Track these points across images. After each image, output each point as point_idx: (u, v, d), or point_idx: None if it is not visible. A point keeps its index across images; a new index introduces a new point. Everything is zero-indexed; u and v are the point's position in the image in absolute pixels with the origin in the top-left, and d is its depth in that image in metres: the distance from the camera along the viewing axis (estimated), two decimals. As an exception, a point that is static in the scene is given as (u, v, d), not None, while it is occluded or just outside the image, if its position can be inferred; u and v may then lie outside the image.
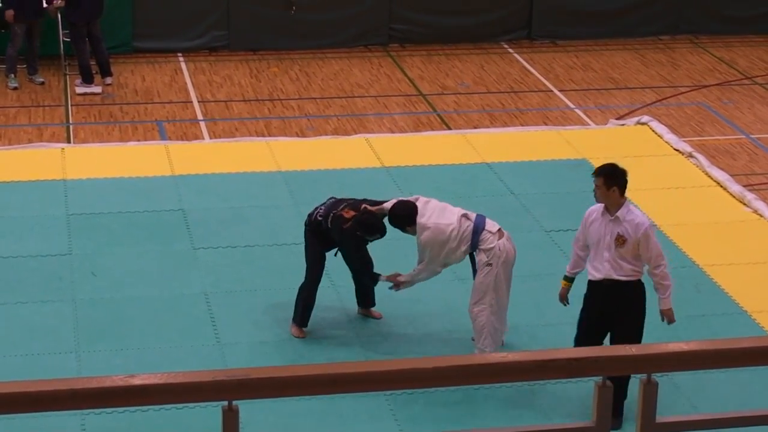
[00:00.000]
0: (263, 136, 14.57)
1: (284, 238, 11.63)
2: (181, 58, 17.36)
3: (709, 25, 18.82)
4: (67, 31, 16.06)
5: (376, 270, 10.01)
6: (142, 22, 17.40)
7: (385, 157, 13.62)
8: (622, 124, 15.03)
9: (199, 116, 15.31)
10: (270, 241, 11.65)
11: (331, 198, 10.13)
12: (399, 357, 9.60)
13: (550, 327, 10.07)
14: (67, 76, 16.39)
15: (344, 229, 9.71)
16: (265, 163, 13.44)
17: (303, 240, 10.14)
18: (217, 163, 13.40)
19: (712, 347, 4.68)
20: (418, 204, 9.70)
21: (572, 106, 15.98)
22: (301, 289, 10.08)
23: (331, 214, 9.82)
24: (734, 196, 12.86)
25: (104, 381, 4.21)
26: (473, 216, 9.62)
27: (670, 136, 14.38)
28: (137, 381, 4.20)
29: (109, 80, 16.12)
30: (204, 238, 11.70)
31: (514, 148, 14.02)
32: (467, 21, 18.22)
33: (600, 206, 8.77)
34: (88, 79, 15.92)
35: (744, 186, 13.11)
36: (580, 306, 8.98)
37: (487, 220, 9.61)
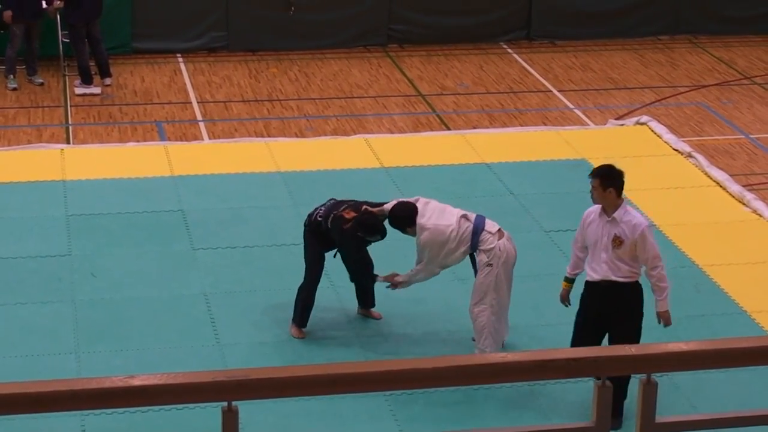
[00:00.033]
0: (262, 136, 14.58)
1: (283, 238, 11.63)
2: (180, 59, 17.36)
3: (708, 26, 18.82)
4: (67, 32, 16.06)
5: (375, 271, 10.01)
6: (141, 22, 17.40)
7: (384, 158, 13.62)
8: (622, 125, 15.04)
9: (199, 117, 15.31)
10: (269, 242, 11.65)
11: (331, 199, 10.13)
12: (399, 357, 9.60)
13: (550, 327, 10.07)
14: (67, 77, 16.39)
15: (344, 230, 9.71)
16: (265, 163, 13.44)
17: (302, 240, 10.14)
18: (217, 164, 13.40)
19: (712, 347, 4.68)
20: (418, 205, 9.70)
21: (571, 106, 15.99)
22: (301, 289, 10.08)
23: (332, 215, 9.82)
24: (733, 196, 12.87)
25: (104, 382, 4.21)
26: (473, 217, 9.62)
27: (669, 136, 14.39)
28: (137, 382, 4.19)
29: (108, 81, 16.12)
30: (203, 238, 11.70)
31: (513, 148, 14.02)
32: (466, 21, 18.22)
33: (598, 207, 8.78)
34: (87, 80, 15.92)
35: (743, 186, 13.11)
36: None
37: (487, 221, 9.60)
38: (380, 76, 16.92)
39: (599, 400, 4.52)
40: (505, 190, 12.89)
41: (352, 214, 9.76)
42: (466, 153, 13.82)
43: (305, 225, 10.09)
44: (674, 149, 14.06)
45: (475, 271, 9.62)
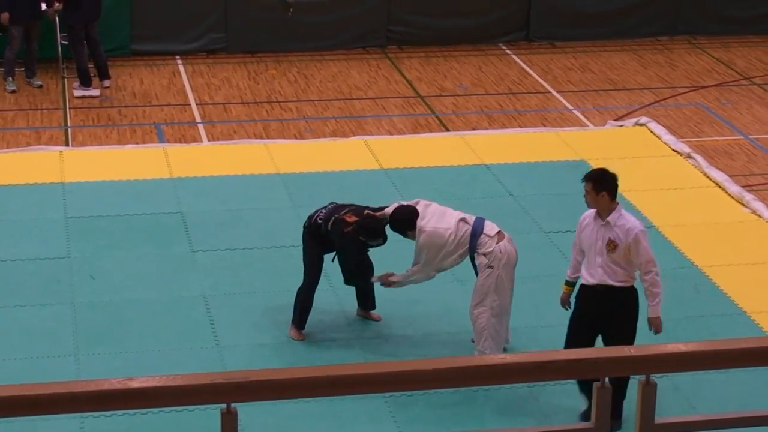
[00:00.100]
0: (261, 138, 14.57)
1: (283, 240, 11.63)
2: (179, 61, 17.36)
3: (707, 26, 18.82)
4: (65, 34, 16.05)
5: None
6: (140, 24, 17.40)
7: (383, 159, 13.62)
8: (621, 125, 15.03)
9: (198, 119, 15.30)
10: (268, 244, 11.65)
11: (332, 203, 10.12)
12: (398, 359, 9.59)
13: (550, 328, 10.07)
14: (65, 79, 16.39)
15: (345, 233, 9.70)
16: (264, 165, 13.44)
17: (301, 242, 10.13)
18: (216, 166, 13.40)
19: (711, 348, 4.68)
20: (418, 208, 9.69)
21: (570, 107, 15.98)
22: (300, 291, 10.08)
23: (333, 218, 9.80)
24: (733, 197, 12.87)
25: (103, 384, 4.21)
26: (471, 219, 9.60)
27: (668, 137, 14.39)
28: (136, 384, 4.19)
29: (107, 83, 16.12)
30: (202, 240, 11.70)
31: (512, 149, 14.02)
32: (465, 23, 18.22)
33: (593, 211, 8.78)
34: (86, 82, 15.92)
35: (742, 186, 13.11)
36: (579, 308, 8.99)
37: (486, 223, 9.59)
38: (379, 78, 16.92)
39: (598, 401, 4.52)
40: (505, 192, 12.89)
41: (354, 218, 9.75)
42: (465, 154, 13.82)
43: (304, 227, 10.08)
44: (673, 150, 14.06)
45: (476, 273, 9.61)
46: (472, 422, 8.97)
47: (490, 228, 9.54)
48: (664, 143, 14.24)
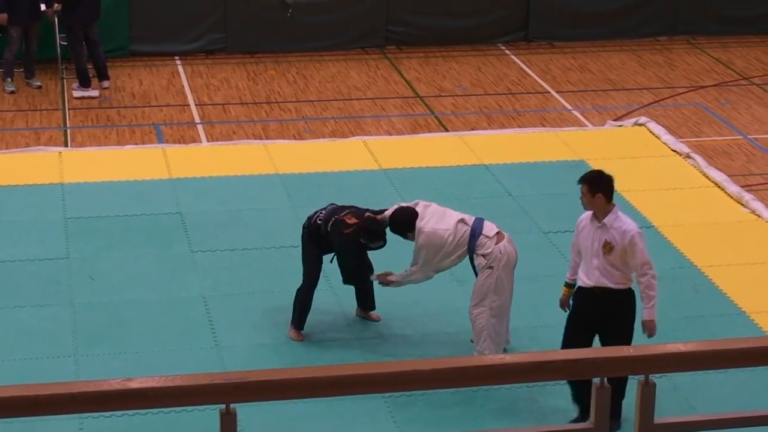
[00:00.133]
0: (261, 138, 14.57)
1: (282, 240, 11.62)
2: (178, 62, 17.36)
3: (706, 26, 18.82)
4: (65, 35, 16.05)
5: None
6: (139, 25, 17.39)
7: (382, 160, 13.62)
8: (620, 125, 15.04)
9: (197, 119, 15.30)
10: (268, 244, 11.65)
11: (331, 204, 10.11)
12: (397, 359, 9.59)
13: (549, 328, 10.06)
14: (64, 80, 16.39)
15: (345, 234, 9.69)
16: (263, 165, 13.44)
17: (300, 243, 10.13)
18: (215, 166, 13.40)
19: (711, 348, 4.68)
20: (418, 209, 9.69)
21: (569, 107, 15.98)
22: (299, 292, 10.07)
23: (333, 219, 9.80)
24: (732, 197, 12.87)
25: (102, 384, 4.21)
26: (471, 220, 9.60)
27: (667, 137, 14.39)
28: (135, 384, 4.19)
29: (106, 84, 16.12)
30: (202, 241, 11.70)
31: (511, 149, 14.02)
32: (464, 23, 18.22)
33: (590, 213, 8.78)
34: (85, 83, 15.92)
35: (742, 186, 13.11)
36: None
37: (485, 224, 9.59)
38: (378, 78, 16.92)
39: (597, 401, 4.52)
40: (504, 192, 12.89)
41: (354, 220, 9.74)
42: (465, 154, 13.83)
43: (304, 227, 10.08)
44: (672, 150, 14.06)
45: (476, 274, 9.61)
46: (472, 422, 8.97)
47: (490, 229, 9.54)
48: (663, 143, 14.24)
